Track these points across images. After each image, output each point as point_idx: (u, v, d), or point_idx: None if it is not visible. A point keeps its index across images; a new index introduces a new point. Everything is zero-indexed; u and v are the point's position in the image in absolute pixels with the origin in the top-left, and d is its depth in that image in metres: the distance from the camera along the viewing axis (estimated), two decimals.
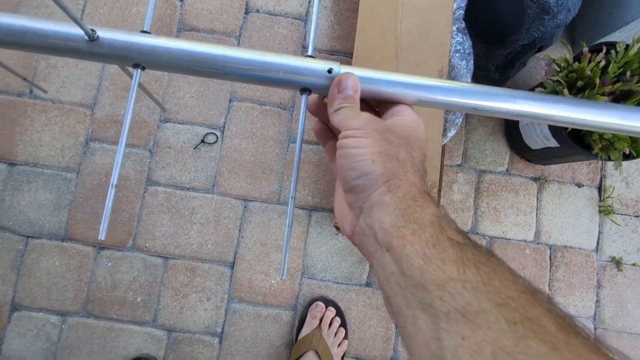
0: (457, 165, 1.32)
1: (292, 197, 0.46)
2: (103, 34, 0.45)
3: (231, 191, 1.26)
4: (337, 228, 1.12)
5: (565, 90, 0.99)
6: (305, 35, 1.34)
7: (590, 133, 1.00)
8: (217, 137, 1.28)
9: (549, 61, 1.06)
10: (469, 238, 0.31)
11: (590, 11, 1.31)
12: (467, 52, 1.11)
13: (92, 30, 0.44)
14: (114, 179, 0.44)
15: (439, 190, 1.07)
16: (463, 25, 1.14)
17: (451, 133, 1.12)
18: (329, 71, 0.46)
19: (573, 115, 0.46)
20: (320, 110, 0.47)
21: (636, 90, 0.96)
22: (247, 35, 1.32)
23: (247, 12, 1.34)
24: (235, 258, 1.24)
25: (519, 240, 1.30)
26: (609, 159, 1.01)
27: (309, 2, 1.35)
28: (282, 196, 1.27)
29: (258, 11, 1.34)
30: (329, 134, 0.49)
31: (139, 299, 1.21)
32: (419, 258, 0.29)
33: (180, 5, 1.32)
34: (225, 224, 1.25)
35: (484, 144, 1.34)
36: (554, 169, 1.34)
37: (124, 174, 1.25)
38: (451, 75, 1.12)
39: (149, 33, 0.47)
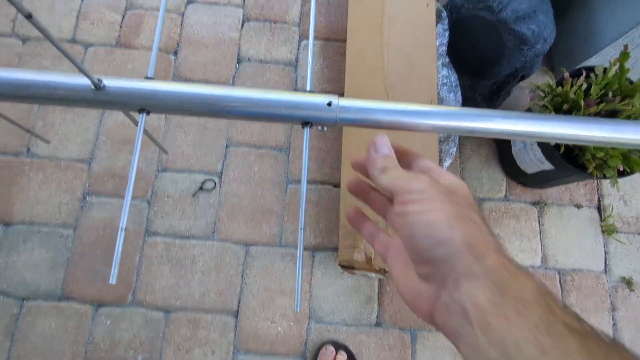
0: None
1: (301, 228, 0.45)
2: (109, 82, 0.46)
3: (232, 236, 1.25)
4: (343, 267, 1.09)
5: (553, 114, 1.02)
6: (296, 80, 1.39)
7: (583, 153, 1.02)
8: (215, 183, 1.28)
9: (533, 88, 1.10)
10: (585, 322, 0.26)
11: (566, 40, 1.38)
12: (453, 84, 1.16)
13: (99, 80, 0.45)
14: (123, 223, 0.43)
15: None
16: (447, 60, 1.19)
17: (447, 163, 1.13)
18: (329, 104, 0.47)
19: (563, 131, 0.47)
20: (360, 190, 0.47)
21: (620, 109, 0.99)
22: (240, 83, 1.37)
23: (239, 62, 1.39)
24: (239, 306, 1.20)
25: (527, 267, 1.28)
26: (605, 177, 1.02)
27: (298, 50, 1.41)
28: (283, 238, 1.26)
29: (249, 60, 1.39)
30: (365, 189, 0.46)
31: (140, 358, 1.15)
32: (533, 347, 0.24)
33: (175, 59, 1.37)
34: (227, 271, 1.22)
35: (479, 173, 1.35)
36: (552, 192, 1.35)
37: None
38: None
39: (152, 79, 0.49)
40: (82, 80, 0.45)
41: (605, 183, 1.37)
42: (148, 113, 0.48)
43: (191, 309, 1.19)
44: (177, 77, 1.36)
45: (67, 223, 1.23)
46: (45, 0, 1.40)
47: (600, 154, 0.99)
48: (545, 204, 1.34)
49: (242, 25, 1.42)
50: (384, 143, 0.40)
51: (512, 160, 1.28)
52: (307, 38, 1.43)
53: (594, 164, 1.01)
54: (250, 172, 1.30)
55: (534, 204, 1.34)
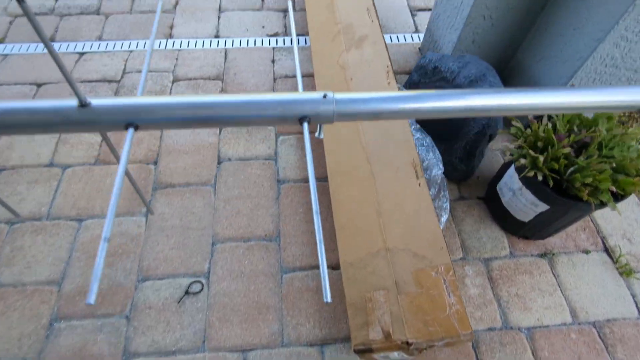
0: (461, 258, 1.26)
1: (316, 212, 0.39)
2: (95, 100, 0.44)
3: (225, 343, 1.08)
4: (359, 352, 0.94)
5: (531, 151, 1.05)
6: (278, 171, 1.40)
7: (573, 183, 1.03)
8: (203, 285, 1.16)
9: (507, 135, 1.16)
10: None
11: None
12: (430, 145, 1.20)
13: (85, 98, 0.43)
14: (106, 233, 0.36)
15: (455, 275, 0.97)
16: (418, 126, 1.26)
17: (444, 218, 1.10)
18: (324, 96, 0.46)
19: (531, 101, 0.48)
20: None
21: (591, 136, 1.04)
22: (222, 180, 1.36)
23: (219, 163, 1.41)
24: None
25: (559, 325, 1.15)
26: (602, 204, 1.01)
27: (276, 144, 1.47)
28: (285, 336, 1.10)
29: (230, 159, 1.42)
30: None
31: None
32: None
33: (155, 168, 1.38)
34: None
35: (477, 232, 1.31)
36: (555, 242, 1.30)
37: (96, 352, 1.05)
38: (424, 166, 1.18)
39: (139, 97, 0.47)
40: (68, 102, 0.43)
41: (603, 224, 1.35)
42: (136, 128, 0.45)
43: None
44: (157, 184, 1.35)
45: (28, 356, 1.04)
46: None
47: (589, 180, 0.99)
48: (553, 254, 1.28)
49: (220, 131, 1.49)
50: None
51: (506, 213, 1.26)
52: (283, 134, 1.50)
53: (586, 191, 1.00)
54: (240, 267, 1.20)
55: (542, 255, 1.28)
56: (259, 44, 1.79)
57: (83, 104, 0.43)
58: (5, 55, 1.67)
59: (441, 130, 1.36)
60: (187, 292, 1.15)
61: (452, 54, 1.49)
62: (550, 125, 1.09)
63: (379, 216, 1.07)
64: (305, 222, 1.30)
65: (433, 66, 1.28)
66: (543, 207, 1.12)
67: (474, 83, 1.23)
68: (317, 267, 1.22)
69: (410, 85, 1.40)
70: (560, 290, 1.21)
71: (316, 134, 0.48)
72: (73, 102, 0.44)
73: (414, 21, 1.93)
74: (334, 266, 1.22)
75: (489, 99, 0.48)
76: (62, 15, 1.83)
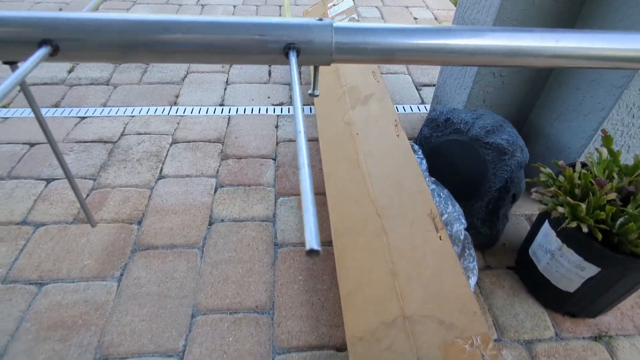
0: (495, 340, 1.02)
1: (299, 132, 0.24)
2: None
3: None
4: None
5: (569, 198, 0.90)
6: (275, 234, 1.24)
7: (627, 236, 0.85)
8: None
9: (534, 184, 1.02)
10: None
11: (538, 161, 1.40)
12: (448, 197, 1.06)
13: None
14: None
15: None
16: (433, 179, 1.13)
17: (472, 280, 0.90)
18: (320, 19, 0.34)
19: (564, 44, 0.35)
20: None
21: (632, 187, 0.89)
22: (211, 243, 1.20)
23: (210, 224, 1.26)
24: None
25: None
26: None
27: (275, 205, 1.33)
28: None
29: (223, 220, 1.27)
30: None
31: None
32: None
33: (137, 228, 1.23)
34: None
35: (512, 308, 1.09)
36: (609, 321, 1.07)
37: None
38: (445, 220, 1.01)
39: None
40: None
41: None
42: (55, 51, 0.32)
43: None
44: (138, 245, 1.18)
45: None
46: (5, 189, 1.33)
47: (636, 235, 0.82)
48: (610, 337, 1.03)
49: (215, 191, 1.37)
50: None
51: (545, 283, 1.05)
52: (284, 195, 1.37)
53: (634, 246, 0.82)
54: (223, 345, 0.97)
55: (596, 339, 1.03)
56: (263, 111, 1.76)
57: None
58: (6, 118, 1.64)
59: (458, 187, 1.23)
60: None
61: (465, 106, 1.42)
62: (585, 171, 0.96)
63: (394, 278, 0.88)
64: (304, 291, 1.09)
65: (445, 118, 1.20)
66: (592, 269, 0.92)
67: (490, 133, 1.13)
68: (317, 347, 0.98)
69: (421, 140, 1.30)
70: None
71: (310, 91, 0.35)
72: None
73: (420, 94, 1.93)
74: (339, 347, 0.98)
75: (539, 39, 0.35)
76: (72, 85, 1.86)
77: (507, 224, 1.27)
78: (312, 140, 1.59)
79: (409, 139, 1.47)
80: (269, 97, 1.86)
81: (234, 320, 1.02)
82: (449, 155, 1.22)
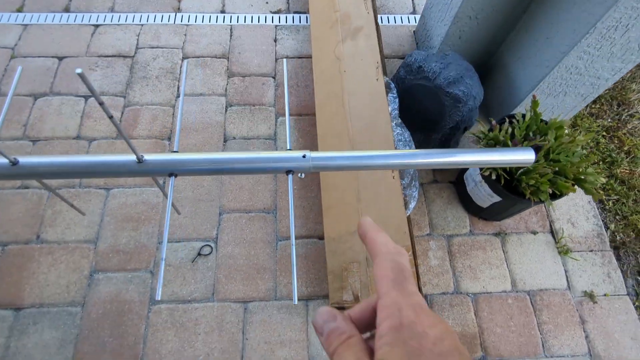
0: (427, 234, 1.50)
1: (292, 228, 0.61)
2: (148, 157, 0.64)
3: (230, 296, 1.35)
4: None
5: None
6: (277, 149, 1.60)
7: (520, 183, 1.23)
8: (212, 248, 1.42)
9: (471, 136, 1.34)
10: None
11: (495, 96, 1.68)
12: (407, 140, 1.39)
13: (141, 156, 0.64)
14: (163, 254, 0.58)
15: (414, 255, 1.22)
16: (400, 121, 1.44)
17: (412, 205, 1.32)
18: (304, 156, 0.66)
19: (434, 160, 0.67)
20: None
21: (541, 144, 1.23)
22: None
23: (225, 141, 1.60)
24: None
25: (500, 292, 1.42)
26: (541, 201, 1.23)
27: (275, 125, 1.65)
28: (277, 292, 1.37)
29: (235, 138, 1.61)
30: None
31: None
32: None
33: (169, 144, 1.58)
34: (229, 329, 1.31)
35: (444, 212, 1.54)
36: (509, 223, 1.54)
37: (128, 298, 1.33)
38: None
39: (177, 152, 0.67)
40: (128, 157, 0.63)
41: (551, 210, 1.57)
42: (175, 176, 0.66)
43: None
44: None
45: (75, 301, 1.32)
46: (54, 105, 1.62)
47: (532, 182, 1.20)
48: (506, 234, 1.52)
49: (226, 110, 1.66)
50: (316, 321, 0.33)
51: (469, 199, 1.48)
52: (283, 115, 1.68)
53: (529, 191, 1.21)
54: (242, 234, 1.45)
55: (496, 234, 1.52)
56: (262, 20, 1.89)
57: (140, 161, 0.64)
58: (26, 26, 1.79)
59: (421, 122, 1.54)
60: (199, 254, 1.41)
61: (440, 46, 1.61)
62: (510, 129, 1.27)
63: (358, 202, 1.29)
64: (299, 198, 1.52)
65: (417, 66, 1.43)
66: (497, 198, 1.34)
67: (452, 84, 1.38)
68: (307, 237, 1.46)
69: (397, 80, 1.54)
70: (507, 264, 1.47)
71: (299, 175, 0.69)
72: (133, 157, 0.64)
73: (413, 2, 2.01)
74: (320, 237, 1.46)
75: (410, 158, 0.68)
76: None
77: (457, 147, 1.62)
78: (307, 57, 1.79)
79: (394, 57, 1.69)
80: (267, 2, 1.94)
81: (249, 218, 1.48)
82: (417, 96, 1.49)
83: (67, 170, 0.63)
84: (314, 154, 0.68)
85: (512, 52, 1.53)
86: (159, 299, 0.56)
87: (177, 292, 1.35)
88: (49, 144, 1.55)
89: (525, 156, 0.70)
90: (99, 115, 1.61)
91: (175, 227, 1.44)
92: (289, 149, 0.70)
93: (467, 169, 1.50)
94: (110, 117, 0.55)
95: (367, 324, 0.33)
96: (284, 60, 0.92)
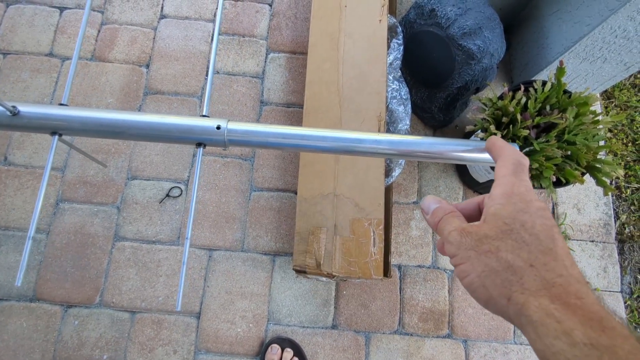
0: (413, 202, 1.38)
1: (187, 238, 0.51)
2: (24, 108, 0.53)
3: (196, 242, 1.31)
4: (297, 271, 1.14)
5: (492, 127, 1.07)
6: (262, 92, 1.45)
7: None
8: (182, 191, 1.35)
9: (475, 101, 1.15)
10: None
11: (520, 54, 1.43)
12: (404, 97, 1.21)
13: (13, 107, 0.52)
14: (30, 232, 0.49)
15: (387, 228, 1.11)
16: (399, 73, 1.25)
17: (396, 172, 1.18)
18: (218, 127, 0.53)
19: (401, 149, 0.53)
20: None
21: (556, 122, 1.04)
22: None
23: (208, 74, 1.45)
24: (201, 308, 1.26)
25: None
26: (542, 187, 1.07)
27: (265, 62, 1.48)
28: (245, 243, 1.32)
29: (218, 72, 1.46)
30: None
31: (105, 357, 1.22)
32: None
33: (146, 72, 1.44)
34: (191, 274, 1.28)
35: (437, 181, 1.40)
36: None
37: (93, 232, 1.30)
38: (391, 119, 1.21)
39: (65, 105, 0.55)
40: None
41: (560, 191, 1.41)
42: (60, 135, 0.54)
43: (155, 310, 1.25)
44: (148, 89, 1.43)
45: (40, 228, 1.30)
46: (26, 15, 1.48)
47: (535, 165, 1.03)
48: None
49: (212, 39, 1.48)
50: (424, 206, 0.41)
51: (466, 170, 1.33)
52: (275, 51, 1.49)
53: (530, 175, 1.05)
54: (215, 180, 1.36)
55: None
56: None
57: (13, 113, 0.52)
58: None
59: (426, 76, 1.34)
60: (167, 195, 1.34)
61: None
62: (524, 100, 1.08)
63: (336, 163, 1.16)
64: None
65: (430, 8, 1.19)
66: (494, 176, 1.18)
67: (466, 36, 1.16)
68: (282, 190, 1.37)
69: (406, 23, 1.31)
70: None
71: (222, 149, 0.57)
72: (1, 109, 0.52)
73: None
74: (296, 192, 1.36)
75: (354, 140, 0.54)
76: None
77: (466, 109, 1.43)
78: None
79: (398, 15, 1.45)
80: None
81: (224, 163, 1.38)
82: (426, 44, 1.27)
83: None
84: (231, 126, 0.55)
85: (550, 2, 1.26)
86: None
87: (142, 231, 1.31)
88: (19, 59, 1.43)
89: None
90: (73, 32, 1.47)
91: (145, 164, 1.36)
92: (205, 115, 0.57)
93: (470, 134, 1.33)
94: None
95: (469, 217, 0.39)
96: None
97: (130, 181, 1.35)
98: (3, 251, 1.27)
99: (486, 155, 0.56)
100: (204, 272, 1.29)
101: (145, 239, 1.30)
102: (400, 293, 1.30)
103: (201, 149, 0.54)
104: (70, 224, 1.31)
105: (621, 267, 1.36)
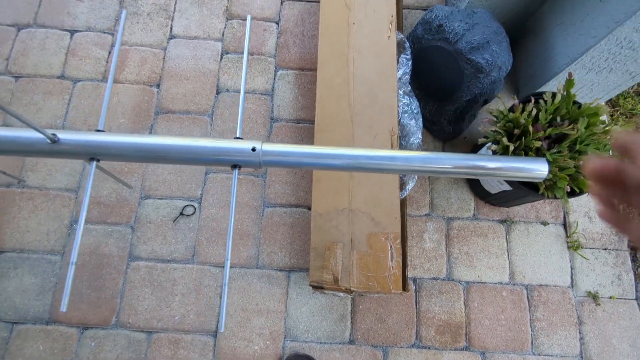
0: (425, 214, 1.39)
1: (227, 260, 0.52)
2: (63, 135, 0.54)
3: (210, 259, 1.31)
4: (314, 287, 1.14)
5: (504, 139, 1.08)
6: (272, 108, 1.46)
7: None
8: (195, 209, 1.35)
9: (486, 114, 1.17)
10: None
11: (526, 66, 1.45)
12: (414, 111, 1.23)
13: (53, 134, 0.53)
14: (73, 257, 0.50)
15: (403, 241, 1.12)
16: (409, 88, 1.26)
17: (410, 186, 1.19)
18: (253, 149, 0.54)
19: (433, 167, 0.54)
20: (606, 174, 0.36)
21: (567, 132, 1.05)
22: (219, 113, 1.45)
23: (218, 93, 1.47)
24: (217, 327, 1.25)
25: (495, 283, 1.33)
26: (555, 197, 1.08)
27: (274, 79, 1.49)
28: (259, 260, 1.32)
29: (228, 90, 1.47)
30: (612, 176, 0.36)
31: None
32: None
33: (157, 92, 1.46)
34: (206, 293, 1.28)
35: (448, 193, 1.41)
36: (518, 210, 1.40)
37: (107, 252, 1.30)
38: (403, 133, 1.22)
39: (102, 131, 0.56)
40: (39, 135, 0.53)
41: (572, 199, 1.42)
42: (98, 160, 0.55)
43: (172, 329, 1.25)
44: (160, 108, 1.44)
45: (55, 250, 1.30)
46: (38, 38, 1.50)
47: (549, 176, 1.04)
48: (513, 222, 1.39)
49: (221, 58, 1.51)
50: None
51: (478, 181, 1.34)
52: (283, 68, 1.51)
53: (544, 185, 1.06)
54: (228, 197, 1.37)
55: (502, 222, 1.39)
56: None
57: (53, 141, 0.53)
58: None
59: (436, 90, 1.35)
60: (181, 213, 1.34)
61: (471, 0, 1.37)
62: (535, 111, 1.09)
63: (350, 178, 1.17)
64: None
65: (438, 24, 1.22)
66: (507, 187, 1.19)
67: (474, 50, 1.18)
68: (295, 205, 1.37)
69: (414, 38, 1.34)
70: (508, 254, 1.36)
71: (253, 170, 0.58)
72: (42, 137, 0.53)
73: None
74: (309, 207, 1.37)
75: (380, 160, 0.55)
76: None
77: (474, 121, 1.45)
78: (316, 2, 1.57)
79: (417, 9, 1.48)
80: None
81: (237, 180, 1.39)
82: (434, 59, 1.29)
83: None
84: (266, 147, 0.56)
85: (555, 15, 1.29)
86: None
87: (156, 250, 1.31)
88: (32, 82, 1.45)
89: (536, 170, 0.57)
90: (84, 54, 1.49)
91: (159, 183, 1.37)
92: (238, 137, 0.58)
93: (481, 146, 1.34)
94: None
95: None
96: (248, 16, 0.77)
97: (143, 200, 1.35)
98: (18, 274, 1.27)
99: (504, 166, 0.56)
100: (220, 290, 1.28)
101: (160, 258, 1.31)
102: (416, 306, 1.30)
103: (236, 170, 0.55)
104: (85, 245, 1.31)
105: (635, 274, 1.36)
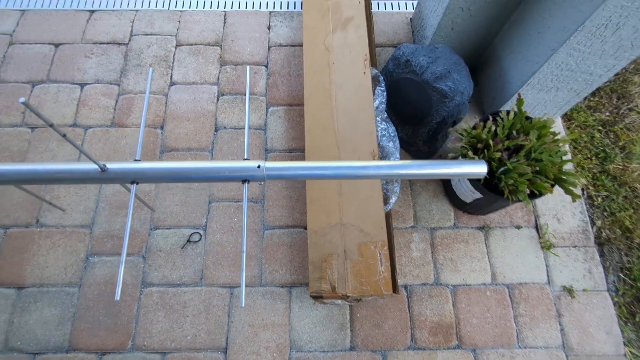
0: (411, 227, 1.53)
1: (243, 252, 0.65)
2: (110, 165, 0.68)
3: (217, 281, 1.42)
4: (314, 297, 1.26)
5: (470, 152, 1.25)
6: (266, 140, 1.63)
7: (500, 181, 1.24)
8: (201, 236, 1.48)
9: (453, 133, 1.34)
10: None
11: (488, 90, 1.66)
12: (392, 135, 1.40)
13: (103, 165, 0.68)
14: (119, 283, 0.63)
15: (391, 248, 1.25)
16: (386, 115, 1.44)
17: (393, 200, 1.34)
18: (258, 166, 0.69)
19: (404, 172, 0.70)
20: None
21: (522, 143, 1.22)
22: (218, 148, 1.60)
23: (216, 130, 1.64)
24: (227, 343, 1.35)
25: (479, 285, 1.46)
26: (519, 200, 1.24)
27: (266, 115, 1.67)
28: (262, 278, 1.44)
29: (225, 128, 1.64)
30: None
31: None
32: None
33: (161, 133, 1.62)
34: (215, 312, 1.38)
35: (429, 205, 1.57)
36: (494, 217, 1.55)
37: (122, 281, 1.41)
38: (382, 154, 1.39)
39: (139, 160, 0.71)
40: (91, 166, 0.67)
41: (540, 204, 1.58)
42: (137, 183, 0.70)
43: (185, 349, 1.34)
44: (164, 147, 1.60)
45: (73, 282, 1.40)
46: (51, 92, 1.66)
47: (510, 181, 1.21)
48: (490, 228, 1.54)
49: (218, 99, 1.68)
50: None
51: (454, 193, 1.49)
52: (274, 105, 1.69)
53: (508, 190, 1.22)
54: (231, 222, 1.50)
55: (480, 228, 1.54)
56: (257, 6, 1.87)
57: (103, 170, 0.68)
58: (23, 11, 1.81)
59: (409, 116, 1.54)
60: (188, 241, 1.47)
61: (433, 37, 1.59)
62: (493, 128, 1.27)
63: (339, 196, 1.32)
64: (285, 188, 1.56)
65: (405, 59, 1.42)
66: (478, 195, 1.35)
67: (438, 79, 1.37)
68: (292, 226, 1.51)
69: (386, 73, 1.53)
70: (488, 257, 1.49)
71: (258, 182, 0.73)
72: (96, 167, 0.68)
73: None
74: (305, 226, 1.50)
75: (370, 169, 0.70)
76: None
77: (447, 140, 1.63)
78: (300, 46, 1.78)
79: (388, 46, 1.67)
80: None
81: (237, 207, 1.53)
82: (405, 89, 1.48)
83: (35, 177, 0.67)
84: (269, 165, 0.71)
85: (505, 46, 1.50)
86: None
87: (167, 276, 1.42)
88: (47, 131, 1.60)
89: (477, 169, 0.72)
90: (94, 104, 1.65)
91: (166, 215, 1.50)
92: (246, 159, 0.74)
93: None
94: (64, 136, 0.58)
95: None
96: (247, 67, 0.94)
97: (153, 231, 1.48)
98: (39, 307, 1.37)
99: (459, 170, 0.72)
100: (227, 308, 1.39)
101: (170, 282, 1.42)
102: (409, 311, 1.41)
103: (246, 184, 0.70)
104: (101, 276, 1.42)
105: (604, 267, 1.51)
